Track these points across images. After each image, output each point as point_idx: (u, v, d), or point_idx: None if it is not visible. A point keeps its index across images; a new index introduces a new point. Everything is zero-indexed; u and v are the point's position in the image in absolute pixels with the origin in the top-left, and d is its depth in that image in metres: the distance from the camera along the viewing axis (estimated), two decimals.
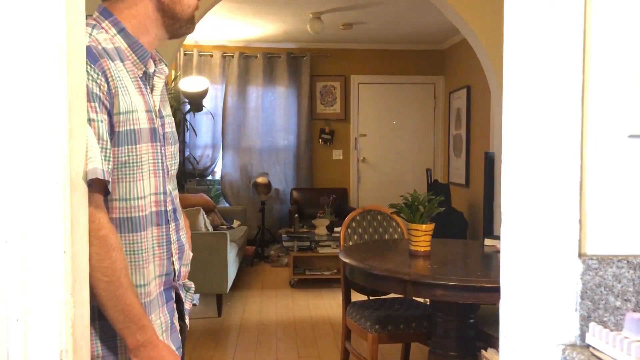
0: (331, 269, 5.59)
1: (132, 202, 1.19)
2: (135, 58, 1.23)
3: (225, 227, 5.74)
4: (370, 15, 6.03)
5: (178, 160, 1.39)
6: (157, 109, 1.28)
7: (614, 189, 0.94)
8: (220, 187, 7.44)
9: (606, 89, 0.93)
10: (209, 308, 4.65)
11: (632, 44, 0.92)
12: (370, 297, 3.26)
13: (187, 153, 7.12)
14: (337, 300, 4.98)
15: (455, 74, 7.21)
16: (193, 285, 1.45)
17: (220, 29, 6.62)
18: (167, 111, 1.35)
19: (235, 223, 6.04)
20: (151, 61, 1.27)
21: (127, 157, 1.18)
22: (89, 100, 1.08)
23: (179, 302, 1.37)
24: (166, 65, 1.34)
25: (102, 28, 1.20)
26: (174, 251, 1.31)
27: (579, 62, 0.92)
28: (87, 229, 1.04)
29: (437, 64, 7.64)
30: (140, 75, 1.25)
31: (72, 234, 0.96)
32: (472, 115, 6.57)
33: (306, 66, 7.42)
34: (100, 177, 1.06)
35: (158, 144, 1.26)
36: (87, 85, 1.08)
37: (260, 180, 6.92)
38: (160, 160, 1.26)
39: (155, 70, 1.30)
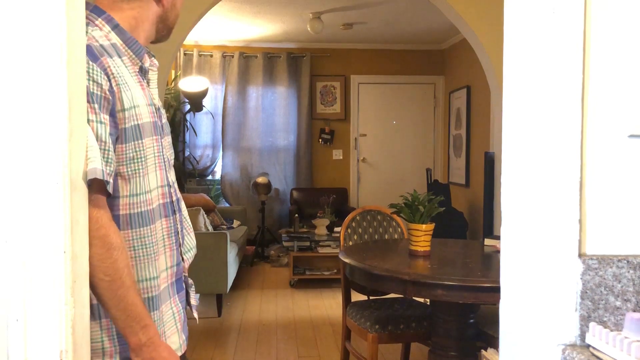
0: (331, 269, 5.59)
1: (140, 197, 1.20)
2: (132, 53, 1.23)
3: (225, 227, 5.74)
4: (370, 15, 6.03)
5: (173, 150, 1.42)
6: (156, 102, 1.29)
7: (614, 189, 0.94)
8: (220, 187, 7.44)
9: (606, 88, 0.93)
10: (209, 308, 4.65)
11: (632, 43, 0.92)
12: (370, 297, 3.26)
13: (187, 153, 7.11)
14: (337, 300, 4.98)
15: (455, 74, 7.21)
16: (193, 284, 1.45)
17: (220, 29, 6.62)
18: (159, 102, 1.37)
19: (235, 223, 6.04)
20: (146, 56, 1.29)
21: (134, 153, 1.18)
22: (88, 101, 1.08)
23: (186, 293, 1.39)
24: (155, 57, 1.37)
25: (96, 25, 1.20)
26: (181, 240, 1.34)
27: (578, 62, 0.92)
28: (87, 229, 1.04)
29: (437, 64, 7.64)
30: (137, 70, 1.25)
31: (72, 234, 0.96)
32: (472, 115, 6.57)
33: (306, 66, 7.42)
34: (100, 177, 1.06)
35: (159, 137, 1.28)
36: (87, 86, 1.08)
37: (260, 180, 6.92)
38: (162, 153, 1.28)
39: (149, 64, 1.32)
